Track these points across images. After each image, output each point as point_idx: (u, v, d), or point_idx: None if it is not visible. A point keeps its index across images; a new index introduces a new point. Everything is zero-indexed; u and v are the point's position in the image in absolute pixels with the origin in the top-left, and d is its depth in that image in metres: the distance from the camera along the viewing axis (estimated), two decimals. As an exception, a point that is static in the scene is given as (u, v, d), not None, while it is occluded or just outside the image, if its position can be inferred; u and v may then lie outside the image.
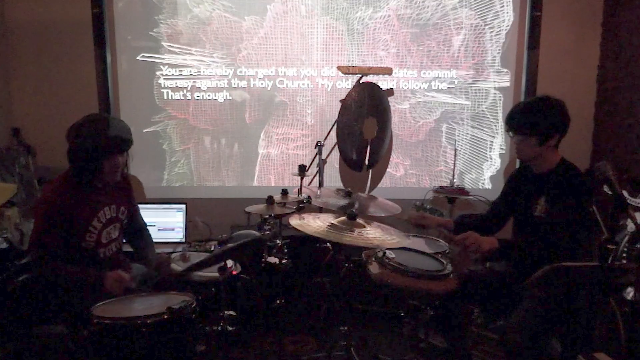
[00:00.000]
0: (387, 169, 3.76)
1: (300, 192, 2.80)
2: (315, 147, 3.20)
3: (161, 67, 3.64)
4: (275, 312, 2.76)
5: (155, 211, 3.35)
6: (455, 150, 3.58)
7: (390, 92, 3.64)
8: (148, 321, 1.73)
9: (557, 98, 2.20)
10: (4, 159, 3.34)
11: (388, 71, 3.51)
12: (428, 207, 3.17)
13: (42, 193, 2.44)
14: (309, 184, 3.32)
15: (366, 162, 3.38)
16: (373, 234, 1.96)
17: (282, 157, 3.80)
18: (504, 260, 2.32)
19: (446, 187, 3.43)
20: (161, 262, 2.27)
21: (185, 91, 3.68)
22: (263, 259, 2.67)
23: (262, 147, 3.78)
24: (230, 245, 2.00)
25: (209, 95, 3.69)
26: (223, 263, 1.94)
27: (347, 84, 3.65)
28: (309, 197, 2.65)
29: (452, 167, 3.53)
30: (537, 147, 2.16)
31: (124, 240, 2.38)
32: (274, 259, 2.65)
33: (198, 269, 1.99)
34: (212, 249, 3.10)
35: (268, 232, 2.59)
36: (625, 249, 2.73)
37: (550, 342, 2.12)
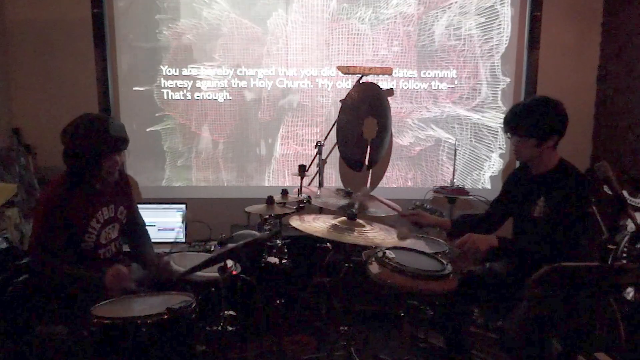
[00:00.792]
0: (387, 170, 3.76)
1: (300, 192, 2.80)
2: (315, 147, 3.20)
3: (161, 67, 3.64)
4: (275, 312, 2.76)
5: (155, 211, 3.35)
6: (455, 150, 3.58)
7: (390, 92, 3.64)
8: (148, 321, 1.73)
9: (555, 99, 2.19)
10: (4, 159, 3.34)
11: (388, 71, 3.52)
12: (428, 207, 3.17)
13: (40, 194, 2.43)
14: (309, 184, 3.32)
15: (366, 162, 3.38)
16: (373, 234, 1.96)
17: (282, 157, 3.80)
18: (504, 258, 2.32)
19: (446, 187, 3.43)
20: (162, 265, 2.25)
21: (185, 91, 3.68)
22: (263, 259, 2.68)
23: (262, 146, 3.78)
24: (230, 245, 2.00)
25: (209, 95, 3.69)
26: (223, 263, 1.94)
27: (347, 84, 3.65)
28: (309, 197, 2.65)
29: (452, 167, 3.54)
30: (536, 148, 2.15)
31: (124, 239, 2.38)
32: (274, 259, 2.65)
33: (198, 270, 1.99)
34: (212, 249, 3.10)
35: (267, 232, 2.59)
36: (625, 249, 2.73)
37: (550, 342, 2.12)
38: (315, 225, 1.99)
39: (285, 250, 2.67)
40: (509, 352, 2.01)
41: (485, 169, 3.81)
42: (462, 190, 3.36)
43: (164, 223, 3.37)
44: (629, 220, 2.46)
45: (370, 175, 3.57)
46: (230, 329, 2.03)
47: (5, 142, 3.55)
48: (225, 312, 2.03)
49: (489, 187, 3.79)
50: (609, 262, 1.59)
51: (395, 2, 3.63)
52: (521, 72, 3.71)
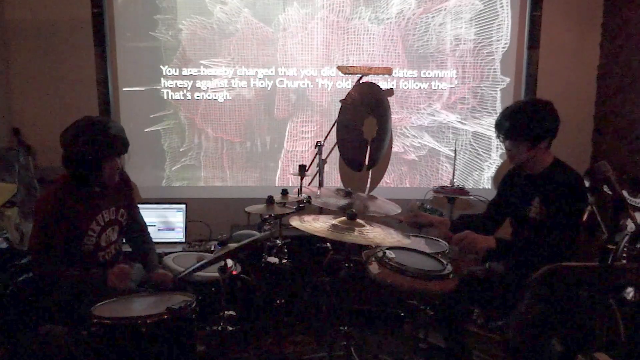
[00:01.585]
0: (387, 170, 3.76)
1: (300, 192, 2.80)
2: (315, 147, 3.20)
3: (161, 67, 3.64)
4: (275, 312, 2.76)
5: (155, 211, 3.35)
6: (455, 150, 3.58)
7: (390, 92, 3.64)
8: (148, 321, 1.73)
9: (546, 100, 2.17)
10: (4, 159, 3.34)
11: (388, 71, 3.51)
12: (428, 207, 3.17)
13: (40, 196, 2.43)
14: (309, 184, 3.32)
15: (366, 162, 3.38)
16: (373, 234, 1.96)
17: (282, 157, 3.80)
18: (502, 260, 2.32)
19: (446, 187, 3.43)
20: (163, 280, 2.24)
21: (185, 91, 3.68)
22: (263, 259, 2.68)
23: (262, 146, 3.78)
24: (231, 245, 2.00)
25: (209, 95, 3.69)
26: (223, 263, 1.94)
27: (347, 84, 3.65)
28: (309, 197, 2.65)
29: (452, 167, 3.54)
30: (529, 151, 2.14)
31: (124, 241, 2.38)
32: (274, 259, 2.65)
33: (199, 271, 1.99)
34: (212, 249, 3.10)
35: (268, 231, 2.59)
36: (625, 249, 2.73)
37: (551, 342, 2.12)
38: (315, 225, 1.99)
39: (285, 250, 2.67)
40: (510, 352, 2.01)
41: (485, 169, 3.81)
42: (462, 190, 3.36)
43: (164, 223, 3.37)
44: (629, 220, 2.46)
45: (370, 175, 3.57)
46: (230, 329, 2.03)
47: (5, 142, 3.55)
48: (225, 312, 2.03)
49: (488, 187, 3.79)
50: (609, 262, 1.59)
51: (395, 2, 3.63)
52: (521, 72, 3.71)
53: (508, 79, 3.71)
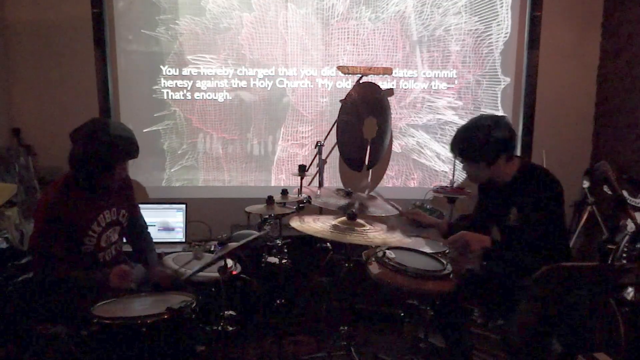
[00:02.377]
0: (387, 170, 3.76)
1: (300, 192, 2.81)
2: (315, 147, 3.20)
3: (161, 67, 3.64)
4: (275, 312, 2.76)
5: (155, 211, 3.35)
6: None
7: (390, 92, 3.64)
8: (148, 321, 1.73)
9: (497, 116, 2.11)
10: (4, 159, 3.34)
11: (388, 71, 3.52)
12: (428, 207, 3.17)
13: (41, 196, 2.43)
14: (309, 184, 3.32)
15: (366, 162, 3.39)
16: (373, 234, 1.96)
17: (282, 157, 3.80)
18: (496, 261, 2.29)
19: (446, 187, 3.43)
20: (162, 279, 2.24)
21: (185, 91, 3.68)
22: (263, 259, 2.68)
23: (262, 146, 3.78)
24: (232, 244, 2.00)
25: (209, 95, 3.69)
26: (223, 263, 1.94)
27: (347, 84, 3.65)
28: (309, 197, 2.65)
29: (452, 167, 3.54)
30: (488, 169, 2.08)
31: (124, 240, 2.38)
32: (274, 259, 2.65)
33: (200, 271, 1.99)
34: (212, 249, 3.10)
35: (268, 230, 2.59)
36: (625, 249, 2.73)
37: (551, 342, 2.12)
38: (315, 225, 1.99)
39: (285, 250, 2.67)
40: (510, 352, 2.01)
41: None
42: (462, 190, 3.36)
43: (164, 223, 3.37)
44: (629, 220, 2.46)
45: (370, 175, 3.57)
46: (230, 329, 2.03)
47: (5, 142, 3.55)
48: (225, 312, 2.03)
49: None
50: (609, 262, 1.59)
51: (394, 2, 3.63)
52: (521, 72, 3.71)
53: (508, 79, 3.71)
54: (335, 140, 3.33)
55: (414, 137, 3.78)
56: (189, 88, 3.68)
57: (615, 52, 3.59)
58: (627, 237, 2.74)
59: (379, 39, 3.67)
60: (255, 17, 3.63)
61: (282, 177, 3.80)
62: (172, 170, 3.77)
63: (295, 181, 3.01)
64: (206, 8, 3.60)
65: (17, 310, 2.51)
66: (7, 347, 2.43)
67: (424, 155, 3.81)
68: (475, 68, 3.71)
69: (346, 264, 2.40)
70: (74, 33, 3.59)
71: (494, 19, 3.66)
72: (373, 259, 2.12)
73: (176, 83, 3.67)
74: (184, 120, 3.72)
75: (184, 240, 3.35)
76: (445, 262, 2.16)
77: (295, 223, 2.00)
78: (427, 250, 2.35)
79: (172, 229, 3.38)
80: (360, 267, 2.27)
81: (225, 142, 3.76)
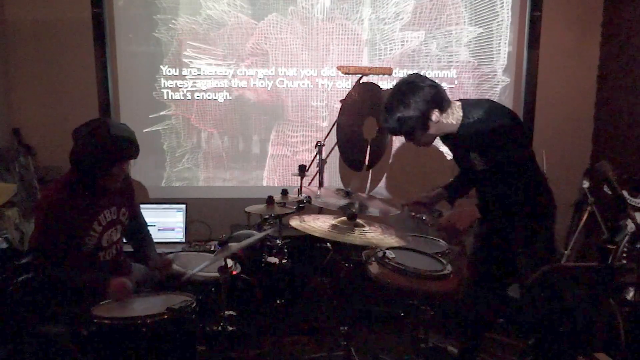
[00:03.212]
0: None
1: (300, 192, 2.81)
2: (315, 147, 3.20)
3: (161, 67, 3.64)
4: (275, 312, 2.76)
5: (155, 211, 3.35)
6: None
7: (390, 92, 3.64)
8: (148, 321, 1.73)
9: (408, 79, 2.00)
10: (4, 159, 3.34)
11: (388, 71, 3.51)
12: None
13: (42, 195, 2.43)
14: (309, 184, 3.32)
15: (366, 162, 3.39)
16: (373, 234, 1.96)
17: (282, 157, 3.80)
18: (492, 222, 2.18)
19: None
20: (163, 264, 2.25)
21: (185, 91, 3.68)
22: (263, 259, 2.68)
23: (262, 146, 3.78)
24: (232, 245, 2.00)
25: (209, 95, 3.69)
26: (223, 263, 1.94)
27: (347, 84, 3.65)
28: (309, 197, 2.65)
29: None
30: (427, 131, 1.99)
31: (124, 240, 2.38)
32: (274, 259, 2.65)
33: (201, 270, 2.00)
34: (212, 249, 3.11)
35: (270, 230, 2.59)
36: (625, 249, 2.74)
37: (550, 342, 2.13)
38: (315, 225, 1.99)
39: (285, 250, 2.67)
40: (513, 353, 2.01)
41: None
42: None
43: (164, 223, 3.37)
44: (629, 220, 2.46)
45: (370, 175, 3.57)
46: (230, 329, 2.04)
47: (5, 142, 3.55)
48: (225, 312, 2.04)
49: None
50: (609, 262, 1.59)
51: (394, 2, 3.63)
52: (521, 72, 3.71)
53: (508, 79, 3.71)
54: (335, 140, 3.33)
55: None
56: (188, 88, 3.67)
57: (615, 52, 3.59)
58: (627, 237, 2.74)
59: (379, 38, 3.67)
60: (256, 17, 3.62)
61: (282, 177, 3.80)
62: (172, 170, 3.77)
63: (295, 181, 3.01)
64: (206, 8, 3.59)
65: (17, 310, 2.51)
66: (7, 347, 2.43)
67: (424, 154, 3.80)
68: (475, 68, 3.71)
69: (346, 264, 2.40)
70: (74, 33, 3.59)
71: (494, 19, 3.65)
72: (373, 259, 2.12)
73: (176, 83, 3.67)
74: (184, 120, 3.72)
75: (184, 240, 3.35)
76: (445, 262, 2.16)
77: (295, 222, 2.00)
78: (427, 250, 2.35)
79: (172, 229, 3.38)
80: (360, 267, 2.27)
81: (226, 141, 3.76)
